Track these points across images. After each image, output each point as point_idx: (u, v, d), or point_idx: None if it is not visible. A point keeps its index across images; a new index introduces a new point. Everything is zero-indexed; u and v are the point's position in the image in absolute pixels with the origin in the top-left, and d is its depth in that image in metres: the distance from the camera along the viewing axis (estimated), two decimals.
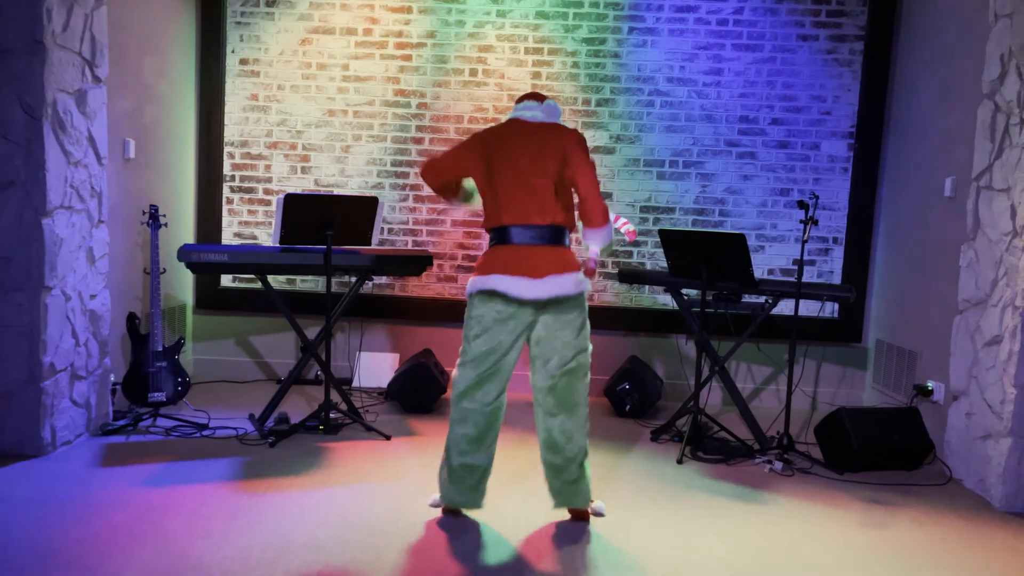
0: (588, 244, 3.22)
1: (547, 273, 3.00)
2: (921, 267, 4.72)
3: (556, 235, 3.08)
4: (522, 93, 3.36)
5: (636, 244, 5.39)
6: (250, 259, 4.25)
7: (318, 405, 4.31)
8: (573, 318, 3.08)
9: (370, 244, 4.30)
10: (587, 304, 3.15)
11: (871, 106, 5.21)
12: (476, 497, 3.20)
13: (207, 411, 4.50)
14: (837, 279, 5.36)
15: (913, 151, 4.90)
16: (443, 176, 3.26)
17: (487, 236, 3.55)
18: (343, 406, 4.48)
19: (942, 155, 4.54)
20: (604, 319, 5.28)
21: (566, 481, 3.16)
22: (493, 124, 3.28)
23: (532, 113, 3.17)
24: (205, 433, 4.16)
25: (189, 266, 4.17)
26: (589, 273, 3.19)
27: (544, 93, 3.34)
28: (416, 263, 4.59)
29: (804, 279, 5.34)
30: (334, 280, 5.22)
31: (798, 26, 5.23)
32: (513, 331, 3.05)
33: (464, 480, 3.16)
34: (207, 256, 4.14)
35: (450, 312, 5.39)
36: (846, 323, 5.34)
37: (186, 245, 4.17)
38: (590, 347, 3.15)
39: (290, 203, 4.01)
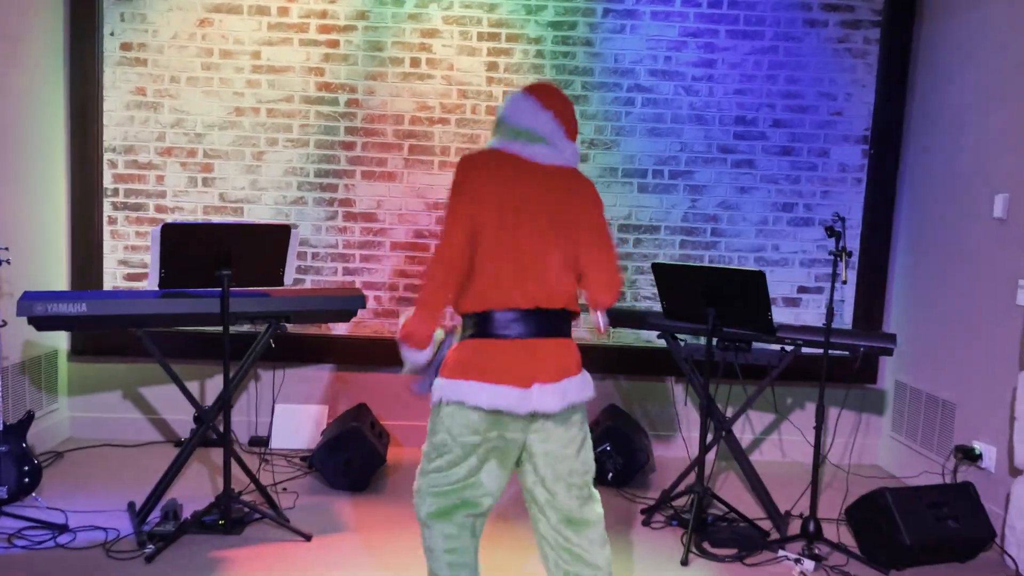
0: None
1: (548, 378, 2.11)
2: (959, 301, 3.95)
3: (562, 324, 2.20)
4: (530, 84, 2.30)
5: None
6: (119, 309, 3.25)
7: (216, 497, 3.32)
8: (575, 433, 2.21)
9: (282, 283, 3.35)
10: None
11: (890, 105, 4.45)
12: None
13: (78, 491, 3.52)
14: (848, 309, 4.58)
15: (945, 160, 4.12)
16: (456, 266, 2.14)
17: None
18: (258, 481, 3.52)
19: (986, 165, 3.76)
20: None
21: None
22: (486, 152, 2.22)
23: (554, 156, 2.20)
24: (62, 540, 3.16)
25: (33, 322, 3.14)
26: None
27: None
28: (344, 306, 3.64)
29: (810, 311, 4.55)
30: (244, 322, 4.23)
31: (804, 9, 4.43)
32: (490, 455, 2.16)
33: None
34: (57, 307, 3.12)
35: (390, 354, 4.40)
36: (858, 360, 4.54)
37: (28, 294, 3.14)
38: (593, 468, 2.28)
39: (170, 236, 3.03)
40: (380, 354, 4.47)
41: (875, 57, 4.44)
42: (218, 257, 3.12)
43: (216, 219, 4.38)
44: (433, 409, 2.21)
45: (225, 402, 3.26)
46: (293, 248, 3.27)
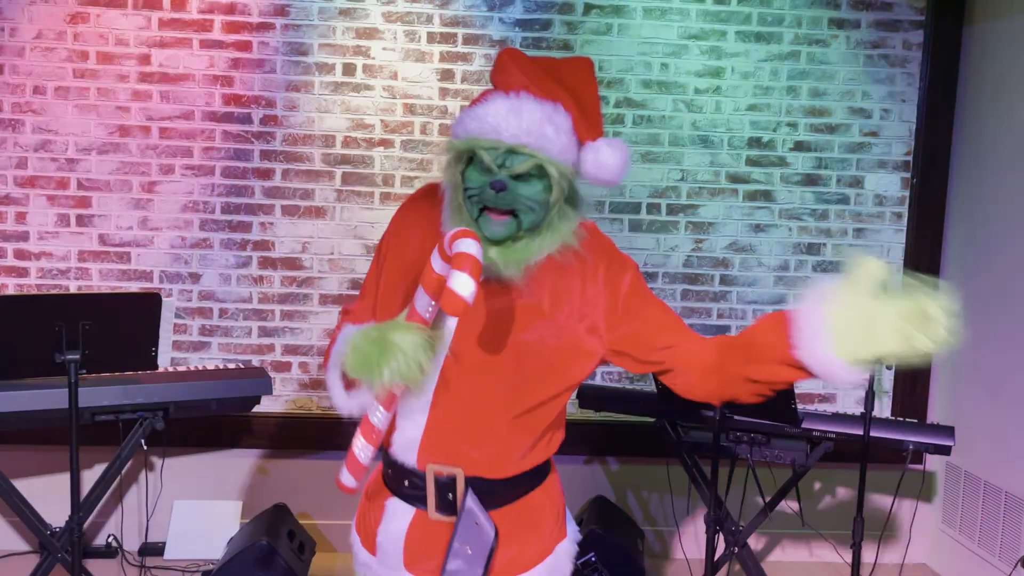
0: None
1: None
2: None
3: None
4: None
5: None
6: None
7: None
8: None
9: (155, 366, 2.66)
10: None
11: (936, 124, 3.90)
12: None
13: None
14: (887, 376, 3.98)
15: (1006, 192, 3.59)
16: None
17: None
18: None
19: None
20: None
21: None
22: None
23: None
24: None
25: None
26: None
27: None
28: (243, 392, 2.95)
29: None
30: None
31: (831, 7, 3.89)
32: None
33: None
34: None
35: (321, 437, 3.78)
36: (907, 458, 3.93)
37: None
38: None
39: None
40: (306, 436, 3.80)
41: (918, 65, 3.91)
42: (61, 338, 2.41)
43: (94, 268, 3.69)
44: None
45: (74, 527, 2.53)
46: (167, 321, 2.57)
